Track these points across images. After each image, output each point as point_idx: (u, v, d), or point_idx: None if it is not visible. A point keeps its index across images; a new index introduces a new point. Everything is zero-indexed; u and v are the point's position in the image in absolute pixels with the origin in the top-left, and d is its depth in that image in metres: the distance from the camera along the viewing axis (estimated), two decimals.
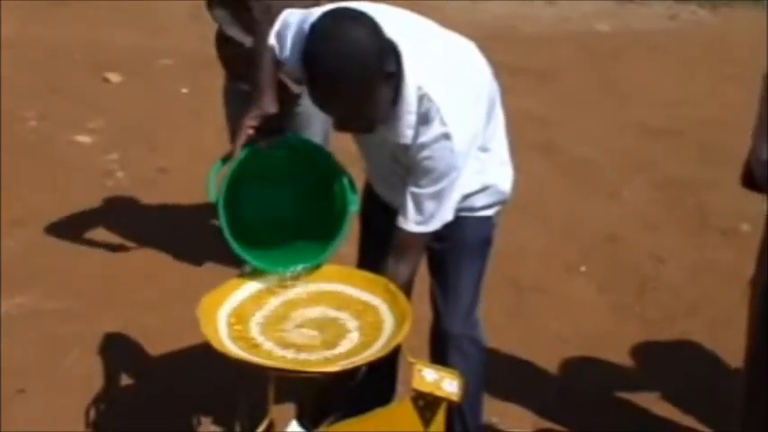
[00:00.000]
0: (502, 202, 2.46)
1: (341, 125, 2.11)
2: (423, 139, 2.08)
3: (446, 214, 2.18)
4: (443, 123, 2.06)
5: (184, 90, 5.65)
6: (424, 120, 2.08)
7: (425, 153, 2.09)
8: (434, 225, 2.18)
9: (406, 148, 2.13)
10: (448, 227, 2.30)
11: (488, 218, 2.44)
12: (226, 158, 2.24)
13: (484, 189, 2.38)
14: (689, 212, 4.39)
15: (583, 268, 3.91)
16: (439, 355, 2.52)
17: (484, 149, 2.32)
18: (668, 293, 3.75)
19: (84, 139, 5.02)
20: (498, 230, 2.52)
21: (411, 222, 2.16)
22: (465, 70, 2.21)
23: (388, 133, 2.13)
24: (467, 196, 2.34)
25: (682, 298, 3.71)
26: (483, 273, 2.52)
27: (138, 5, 7.00)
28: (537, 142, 4.91)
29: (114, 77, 5.81)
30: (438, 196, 2.13)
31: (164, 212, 4.30)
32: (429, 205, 2.14)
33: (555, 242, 4.10)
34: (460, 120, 2.09)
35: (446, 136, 2.06)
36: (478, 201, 2.39)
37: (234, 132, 3.49)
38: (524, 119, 5.19)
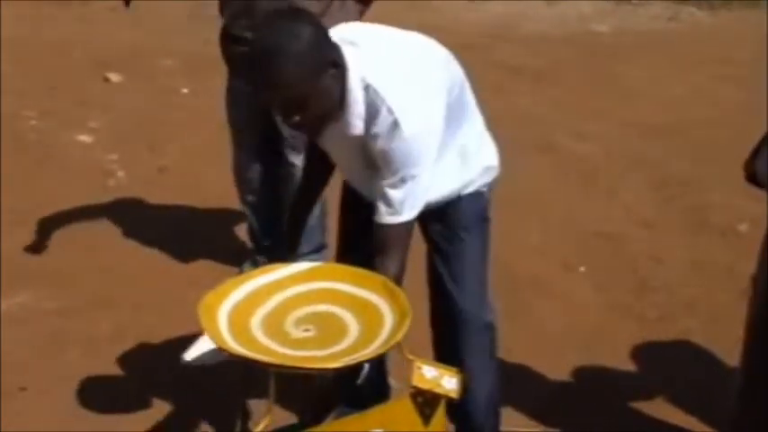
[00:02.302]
0: (493, 177, 2.50)
1: (288, 119, 2.14)
2: (374, 130, 2.14)
3: (417, 201, 2.22)
4: (391, 112, 2.11)
5: (185, 90, 5.66)
6: (371, 111, 2.14)
7: (380, 144, 2.15)
8: (407, 214, 2.20)
9: (366, 146, 2.17)
10: (445, 208, 2.39)
11: (480, 193, 2.48)
12: None
13: (475, 178, 2.44)
14: (687, 212, 4.40)
15: (581, 267, 3.91)
16: (451, 338, 2.54)
17: (463, 155, 2.38)
18: (666, 293, 3.76)
19: (84, 138, 5.03)
20: (496, 229, 2.54)
21: (384, 216, 2.20)
22: (416, 65, 2.25)
23: (340, 128, 2.18)
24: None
25: (680, 297, 3.72)
26: (486, 252, 2.54)
27: (138, 5, 6.96)
28: (535, 141, 4.92)
29: (115, 77, 5.83)
30: (402, 184, 2.17)
31: (164, 212, 4.31)
32: (396, 195, 2.18)
33: (553, 241, 4.11)
34: (409, 107, 2.14)
35: (395, 123, 2.12)
36: (473, 186, 2.44)
37: (235, 132, 3.52)
38: (523, 118, 5.20)
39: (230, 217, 4.14)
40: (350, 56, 2.14)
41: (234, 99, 3.44)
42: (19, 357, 3.21)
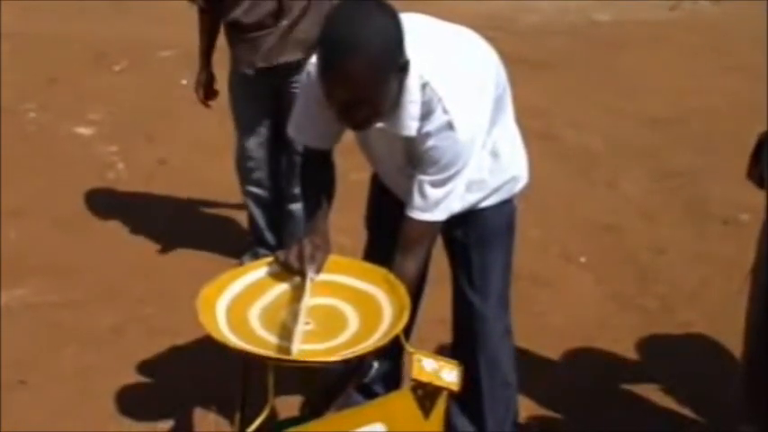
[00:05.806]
0: (520, 187, 2.48)
1: (344, 113, 2.04)
2: (427, 128, 2.08)
3: (451, 204, 2.17)
4: (446, 112, 2.06)
5: (184, 81, 5.63)
6: (426, 109, 2.07)
7: (430, 143, 2.08)
8: (439, 214, 2.16)
9: (413, 141, 2.11)
10: (470, 216, 2.34)
11: (506, 202, 2.45)
12: None
13: (502, 185, 2.40)
14: (689, 202, 4.39)
15: (582, 259, 3.90)
16: (472, 342, 2.52)
17: (494, 153, 2.33)
18: (668, 284, 3.75)
19: (83, 130, 5.02)
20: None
21: (415, 210, 2.15)
22: (469, 62, 2.20)
23: (391, 126, 2.10)
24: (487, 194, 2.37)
25: (682, 288, 3.71)
26: (510, 260, 2.54)
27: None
28: (537, 132, 4.88)
29: (114, 69, 5.81)
30: (443, 184, 2.12)
31: (164, 204, 4.30)
32: (434, 192, 2.13)
33: (554, 232, 4.10)
34: (463, 108, 2.08)
35: (449, 125, 2.06)
36: (499, 195, 2.41)
37: (240, 121, 3.49)
38: (524, 109, 5.12)
39: (230, 209, 4.14)
40: (410, 52, 2.03)
41: (238, 88, 3.42)
42: (19, 351, 3.20)
